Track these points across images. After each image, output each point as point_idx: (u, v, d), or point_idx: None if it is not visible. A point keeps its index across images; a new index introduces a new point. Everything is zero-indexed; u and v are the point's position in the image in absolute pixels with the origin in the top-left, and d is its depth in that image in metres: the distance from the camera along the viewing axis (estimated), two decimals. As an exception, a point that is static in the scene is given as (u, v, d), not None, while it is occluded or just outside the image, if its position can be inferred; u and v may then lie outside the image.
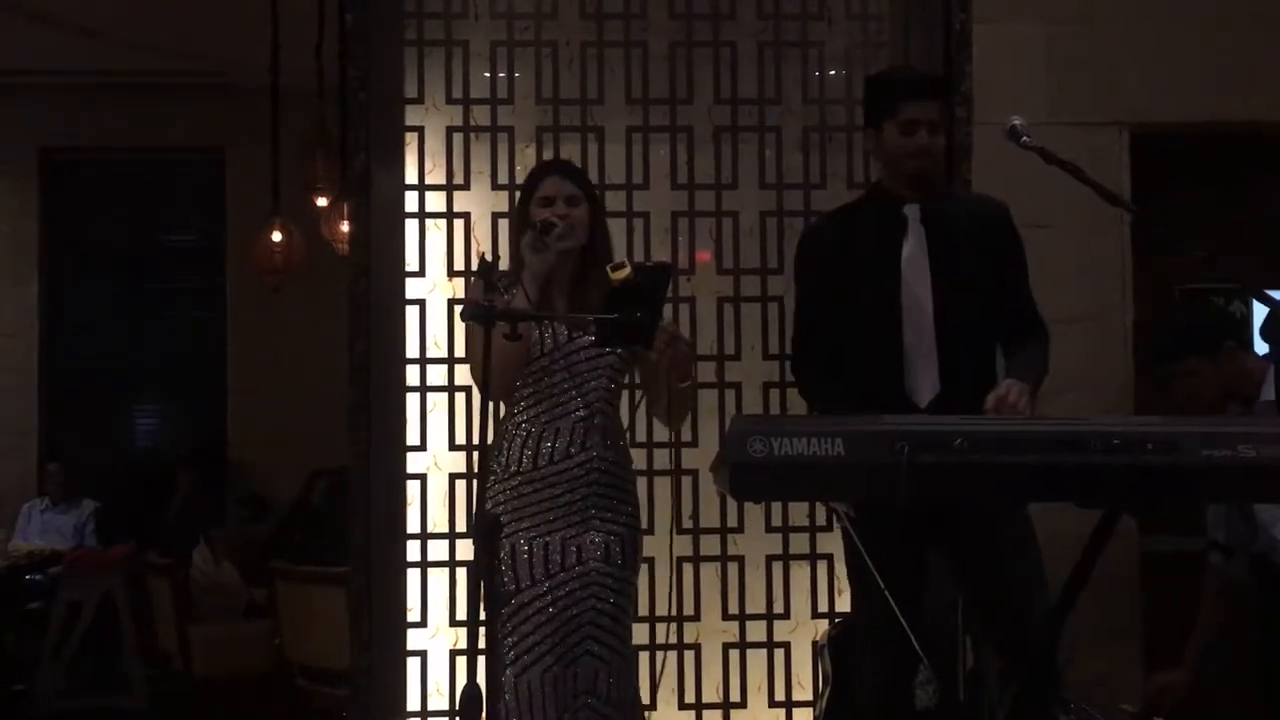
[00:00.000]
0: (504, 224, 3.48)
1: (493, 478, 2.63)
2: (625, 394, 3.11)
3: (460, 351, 3.52)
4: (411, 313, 3.54)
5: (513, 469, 2.61)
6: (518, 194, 2.90)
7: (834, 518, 2.63)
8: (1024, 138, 2.53)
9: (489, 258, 2.54)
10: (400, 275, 3.55)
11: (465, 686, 2.06)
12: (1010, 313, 2.77)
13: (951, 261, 2.70)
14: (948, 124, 2.73)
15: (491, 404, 2.58)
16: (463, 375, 3.53)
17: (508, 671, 2.52)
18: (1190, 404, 2.99)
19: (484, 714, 2.13)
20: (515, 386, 2.62)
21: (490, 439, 2.61)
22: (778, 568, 3.57)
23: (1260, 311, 3.49)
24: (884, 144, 2.74)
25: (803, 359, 2.88)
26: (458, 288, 3.54)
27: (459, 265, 3.57)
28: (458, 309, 3.41)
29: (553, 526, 2.58)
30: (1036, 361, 2.71)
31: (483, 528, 2.19)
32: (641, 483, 3.49)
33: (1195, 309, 3.67)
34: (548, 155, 3.55)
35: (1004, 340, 2.79)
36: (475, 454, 3.40)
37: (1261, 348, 3.18)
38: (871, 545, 2.36)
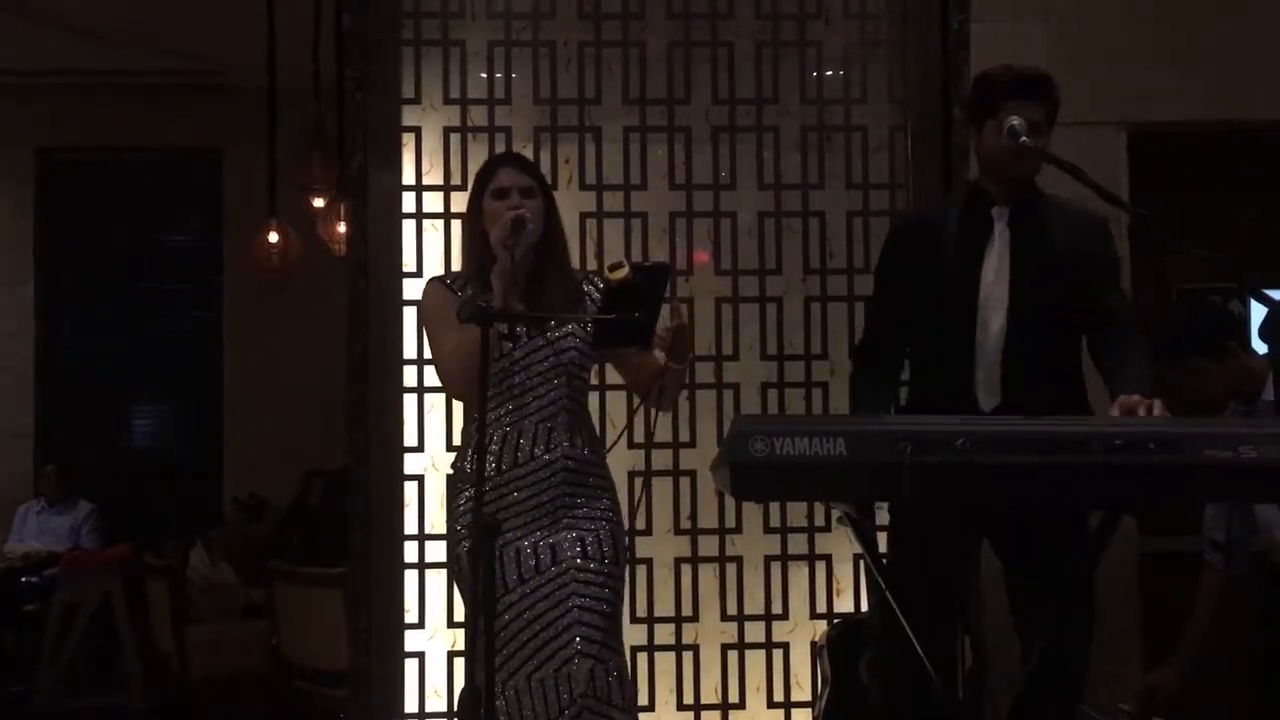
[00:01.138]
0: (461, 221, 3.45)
1: (461, 485, 2.59)
2: (627, 396, 3.12)
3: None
4: (409, 313, 3.53)
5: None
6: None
7: (840, 520, 2.60)
8: (1022, 138, 2.53)
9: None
10: (398, 276, 3.54)
11: (464, 688, 2.05)
12: (1100, 315, 2.66)
13: (1035, 267, 2.63)
14: (1052, 125, 2.63)
15: (467, 403, 2.58)
16: (461, 376, 3.52)
17: (496, 678, 2.49)
18: (1194, 404, 2.98)
19: (482, 715, 2.12)
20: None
21: (467, 442, 2.60)
22: (776, 568, 3.56)
23: (1259, 311, 3.49)
24: (983, 144, 2.68)
25: (862, 353, 2.87)
26: (456, 288, 3.53)
27: (456, 266, 3.55)
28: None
29: (525, 531, 2.53)
30: (1144, 367, 2.56)
31: (479, 530, 2.19)
32: (639, 483, 3.51)
33: (1196, 308, 3.67)
34: (545, 156, 3.55)
35: (1095, 345, 2.67)
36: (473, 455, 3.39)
37: (1260, 347, 3.18)
38: (920, 543, 2.33)
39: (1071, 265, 2.65)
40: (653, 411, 3.34)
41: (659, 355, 2.52)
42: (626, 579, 2.69)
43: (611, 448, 2.69)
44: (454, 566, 2.67)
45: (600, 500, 2.61)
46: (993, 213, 2.68)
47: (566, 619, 2.50)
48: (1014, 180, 2.66)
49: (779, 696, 3.54)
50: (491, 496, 2.53)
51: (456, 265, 3.54)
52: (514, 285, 2.52)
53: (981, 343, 2.62)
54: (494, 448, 2.55)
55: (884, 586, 2.23)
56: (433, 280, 2.75)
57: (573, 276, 2.70)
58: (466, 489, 2.56)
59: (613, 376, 2.89)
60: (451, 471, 2.76)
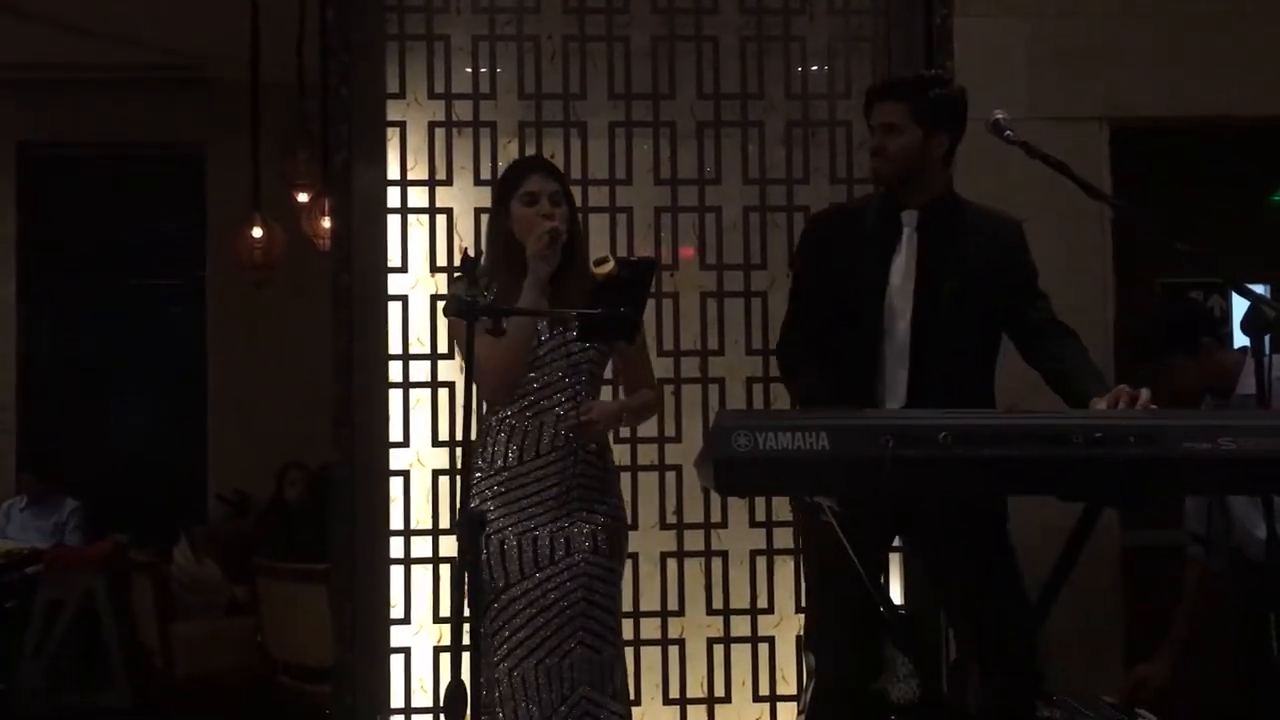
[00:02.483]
0: (487, 219, 3.46)
1: (478, 474, 2.64)
2: (610, 390, 3.12)
3: (443, 347, 3.51)
4: (394, 309, 3.53)
5: (498, 464, 2.62)
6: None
7: (811, 516, 2.61)
8: (1007, 132, 2.52)
9: (471, 253, 2.52)
10: (383, 271, 3.54)
11: (450, 683, 2.05)
12: (1031, 324, 2.68)
13: (942, 271, 2.64)
14: (927, 125, 2.64)
15: (474, 400, 2.58)
16: (446, 371, 3.52)
17: (502, 665, 2.53)
18: (1171, 399, 3.01)
19: (468, 711, 2.12)
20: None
21: (474, 435, 2.60)
22: (761, 562, 3.57)
23: (1240, 305, 3.51)
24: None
25: (784, 350, 2.86)
26: (440, 283, 3.53)
27: (441, 261, 3.56)
28: (440, 305, 3.40)
29: (540, 520, 2.59)
30: (1093, 367, 2.60)
31: (467, 523, 2.19)
32: (625, 478, 3.50)
33: (1175, 306, 3.69)
34: (530, 150, 3.54)
35: (1033, 353, 2.67)
36: (459, 450, 3.39)
37: (1240, 340, 3.20)
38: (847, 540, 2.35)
39: (985, 276, 2.64)
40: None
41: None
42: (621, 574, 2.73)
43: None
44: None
45: (609, 496, 2.69)
46: (902, 216, 2.68)
47: (574, 609, 2.56)
48: (879, 180, 2.68)
49: (765, 690, 3.55)
50: (511, 485, 2.60)
51: (442, 261, 3.56)
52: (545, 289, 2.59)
53: (887, 347, 2.63)
54: (515, 439, 2.61)
55: (865, 579, 2.23)
56: (458, 273, 2.80)
57: (591, 278, 2.71)
58: (480, 479, 2.62)
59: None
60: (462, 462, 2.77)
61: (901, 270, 2.65)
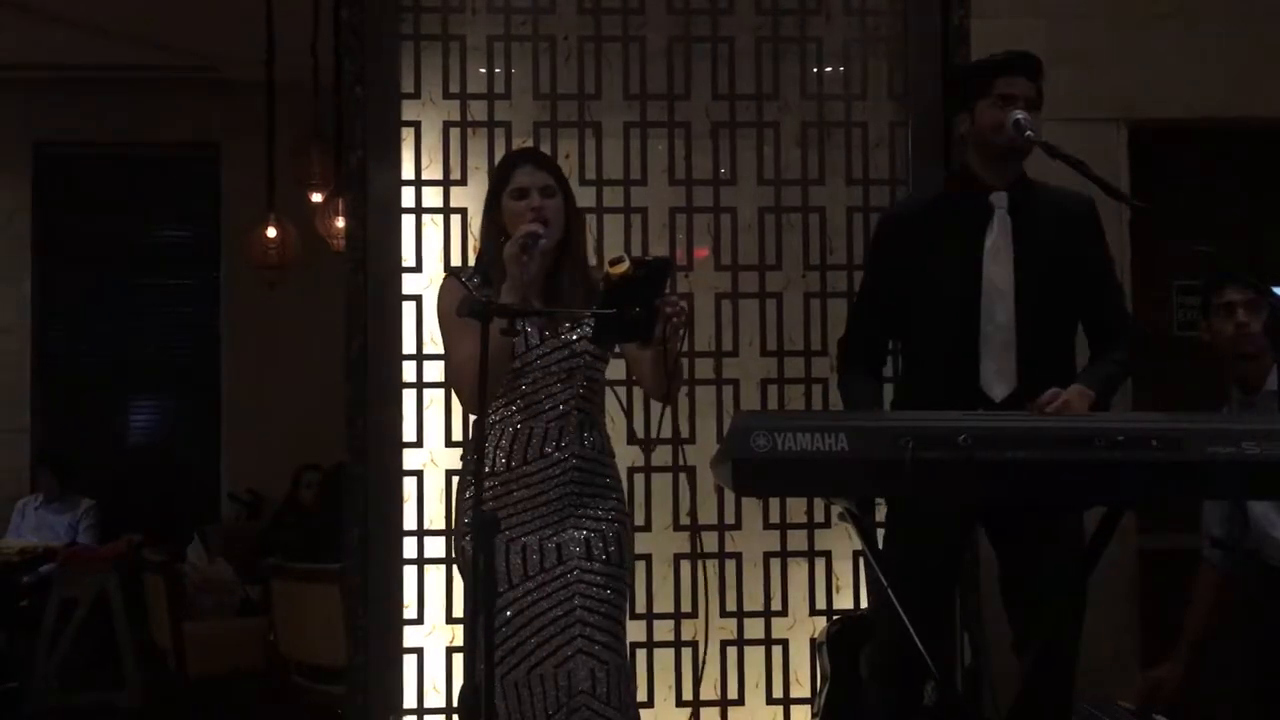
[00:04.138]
0: (481, 215, 3.44)
1: (470, 479, 2.59)
2: (625, 392, 3.11)
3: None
4: (408, 309, 3.53)
5: (493, 468, 2.56)
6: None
7: (841, 517, 2.60)
8: (1028, 132, 2.52)
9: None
10: (397, 271, 3.53)
11: (464, 685, 2.04)
12: (1095, 314, 2.68)
13: (1037, 253, 2.61)
14: (1038, 109, 2.62)
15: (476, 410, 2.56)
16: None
17: (496, 671, 2.49)
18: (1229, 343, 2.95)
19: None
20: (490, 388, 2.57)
21: (474, 437, 2.58)
22: (776, 565, 3.56)
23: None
24: (979, 122, 2.64)
25: (848, 350, 2.81)
26: (455, 284, 3.52)
27: (456, 261, 3.55)
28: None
29: (531, 527, 2.54)
30: (1107, 372, 2.62)
31: (479, 526, 2.18)
32: (639, 480, 3.51)
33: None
34: (545, 151, 3.52)
35: (1090, 343, 2.71)
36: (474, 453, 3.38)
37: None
38: (906, 543, 2.34)
39: (1073, 251, 2.64)
40: (654, 407, 3.35)
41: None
42: (630, 579, 2.69)
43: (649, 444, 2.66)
44: (460, 559, 2.67)
45: (608, 500, 2.61)
46: (991, 199, 2.64)
47: (568, 618, 2.50)
48: (1015, 153, 2.62)
49: (778, 693, 3.53)
50: (500, 492, 2.54)
51: (456, 260, 3.55)
52: (531, 286, 2.53)
53: (988, 333, 2.59)
54: (504, 444, 2.56)
55: (886, 583, 2.22)
56: (448, 276, 2.74)
57: (589, 275, 2.68)
58: (473, 483, 2.56)
59: (612, 373, 2.88)
60: (460, 465, 2.75)
61: (996, 252, 2.61)
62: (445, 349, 2.69)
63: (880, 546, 2.56)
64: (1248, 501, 2.94)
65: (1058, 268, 2.62)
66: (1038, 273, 2.61)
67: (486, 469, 2.54)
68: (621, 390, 3.23)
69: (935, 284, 2.63)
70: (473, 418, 2.87)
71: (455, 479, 3.49)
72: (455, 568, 2.86)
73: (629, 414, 2.79)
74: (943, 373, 2.62)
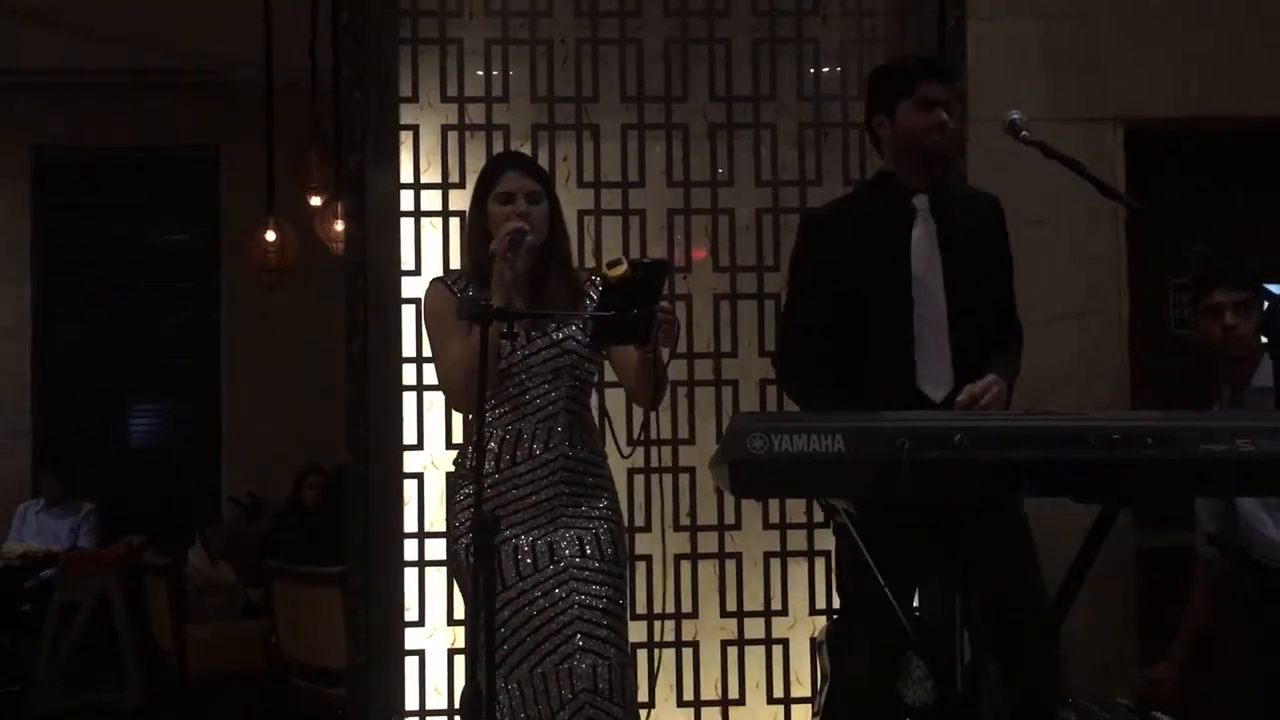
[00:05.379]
0: (466, 218, 3.45)
1: (463, 481, 2.60)
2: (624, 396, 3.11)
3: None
4: (408, 311, 3.54)
5: (486, 468, 2.55)
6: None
7: (832, 516, 2.61)
8: (1023, 132, 2.52)
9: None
10: (396, 274, 3.54)
11: (466, 687, 2.05)
12: (998, 311, 2.72)
13: (961, 253, 2.64)
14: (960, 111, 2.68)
15: (467, 412, 2.56)
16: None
17: (497, 672, 2.49)
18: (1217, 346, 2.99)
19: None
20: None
21: (465, 439, 2.59)
22: (775, 564, 3.57)
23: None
24: (900, 125, 2.65)
25: (792, 354, 2.79)
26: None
27: (455, 264, 3.56)
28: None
29: (522, 529, 2.54)
30: (1013, 364, 2.69)
31: (480, 527, 2.19)
32: (639, 480, 3.52)
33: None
34: (543, 153, 3.55)
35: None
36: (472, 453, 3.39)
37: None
38: (870, 544, 2.35)
39: (988, 249, 2.71)
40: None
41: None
42: (627, 576, 2.70)
43: (633, 445, 2.67)
44: (453, 563, 2.68)
45: (599, 499, 2.62)
46: (914, 202, 2.66)
47: (566, 615, 2.51)
48: (936, 157, 2.65)
49: (779, 693, 3.54)
50: (491, 494, 2.54)
51: (455, 263, 3.56)
52: (515, 290, 2.53)
53: (920, 334, 2.60)
54: (493, 446, 2.57)
55: (883, 583, 2.23)
56: (434, 281, 2.75)
57: (575, 278, 2.70)
58: (466, 485, 2.58)
59: (611, 373, 2.89)
60: (453, 468, 2.76)
61: (922, 254, 2.63)
62: (434, 352, 2.71)
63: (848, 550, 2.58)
64: (1238, 500, 2.96)
65: (980, 266, 2.67)
66: (964, 272, 2.64)
67: (485, 468, 2.55)
68: (622, 392, 3.24)
69: (864, 288, 2.63)
70: (467, 419, 2.88)
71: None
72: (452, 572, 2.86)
73: (628, 417, 2.79)
74: (879, 376, 2.60)
